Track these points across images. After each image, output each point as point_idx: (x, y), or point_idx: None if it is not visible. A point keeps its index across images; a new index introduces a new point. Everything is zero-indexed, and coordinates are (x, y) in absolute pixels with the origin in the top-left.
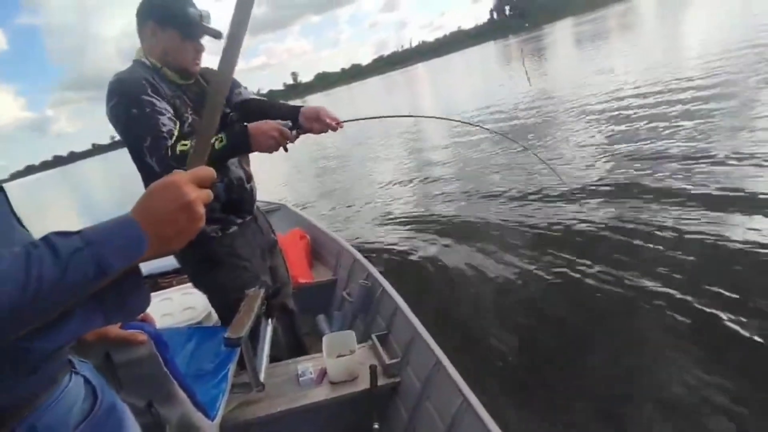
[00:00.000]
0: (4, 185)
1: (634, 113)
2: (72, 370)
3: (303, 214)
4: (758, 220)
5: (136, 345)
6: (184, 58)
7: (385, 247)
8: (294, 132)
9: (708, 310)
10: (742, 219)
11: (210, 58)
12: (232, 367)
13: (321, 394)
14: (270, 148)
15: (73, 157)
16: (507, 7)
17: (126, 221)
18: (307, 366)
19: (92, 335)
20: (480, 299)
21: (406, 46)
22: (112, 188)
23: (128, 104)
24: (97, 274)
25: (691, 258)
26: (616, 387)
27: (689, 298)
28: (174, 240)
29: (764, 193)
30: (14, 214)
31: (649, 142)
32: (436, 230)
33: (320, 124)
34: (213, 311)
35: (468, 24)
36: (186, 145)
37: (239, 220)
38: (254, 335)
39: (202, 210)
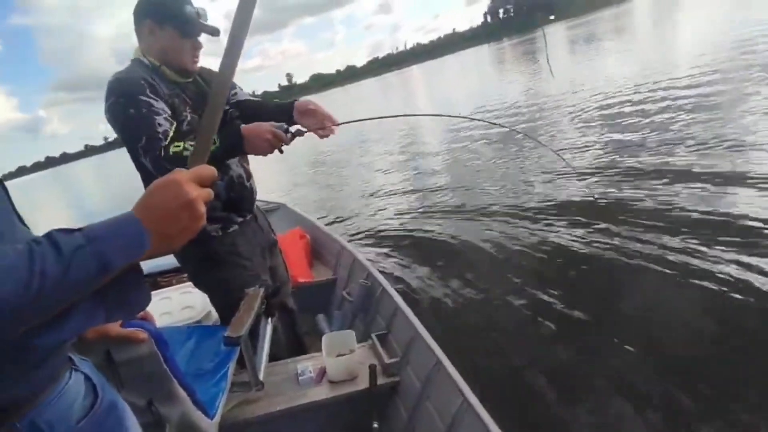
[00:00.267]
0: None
1: (636, 111)
2: (73, 368)
3: (303, 214)
4: None
5: (137, 343)
6: (182, 56)
7: (386, 246)
8: (289, 134)
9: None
10: None
11: (206, 59)
12: (231, 366)
13: (320, 393)
14: (264, 151)
15: (66, 159)
16: (501, 10)
17: (128, 219)
18: (306, 365)
19: (93, 333)
20: (481, 300)
21: (401, 48)
22: (104, 190)
23: (125, 104)
24: (100, 271)
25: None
26: (616, 386)
27: (696, 304)
28: (175, 238)
29: None
30: (15, 211)
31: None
32: (436, 229)
33: (314, 119)
34: (212, 310)
35: (462, 26)
36: (179, 146)
37: (240, 219)
38: (254, 334)
39: (203, 208)
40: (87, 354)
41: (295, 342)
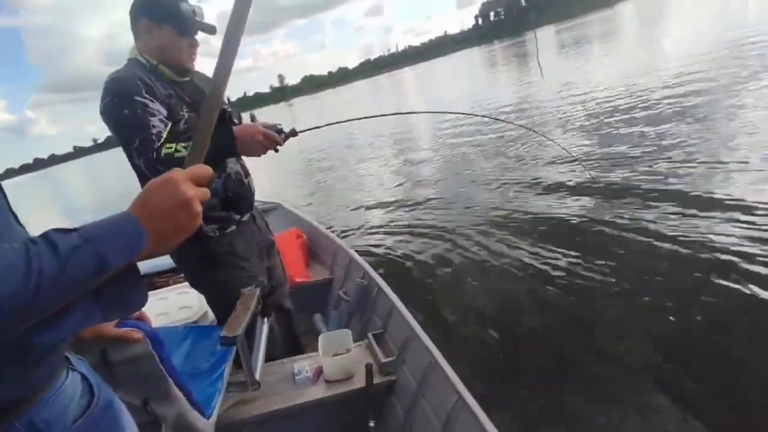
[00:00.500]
0: None
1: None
2: (69, 367)
3: (300, 214)
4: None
5: (132, 343)
6: (180, 54)
7: (382, 246)
8: (282, 135)
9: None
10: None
11: (201, 60)
12: (227, 365)
13: (317, 392)
14: (257, 152)
15: (54, 160)
16: (492, 13)
17: (125, 218)
18: (303, 365)
19: (88, 333)
20: (476, 298)
21: (393, 50)
22: (93, 191)
23: (120, 104)
24: (97, 270)
25: (693, 261)
26: (611, 384)
27: (687, 298)
28: (172, 237)
29: None
30: (11, 211)
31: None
32: (432, 229)
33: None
34: (209, 311)
35: (454, 29)
36: (171, 148)
37: (238, 217)
38: (250, 334)
39: (199, 208)
40: (83, 354)
41: (292, 342)
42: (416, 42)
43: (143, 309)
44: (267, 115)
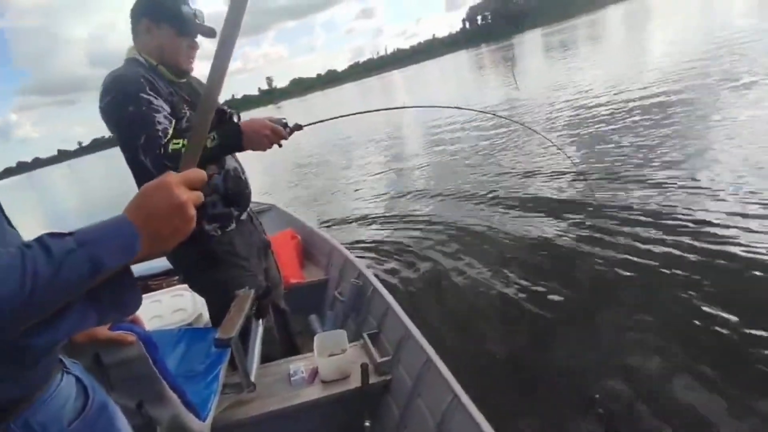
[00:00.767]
0: None
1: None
2: (64, 370)
3: (294, 215)
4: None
5: (126, 346)
6: (179, 55)
7: (377, 246)
8: (287, 129)
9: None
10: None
11: (199, 63)
12: (222, 367)
13: (313, 393)
14: (263, 146)
15: (38, 164)
16: (479, 17)
17: (120, 221)
18: (298, 365)
19: (82, 336)
20: (471, 297)
21: (382, 52)
22: (80, 194)
23: (124, 101)
24: (92, 273)
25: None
26: (606, 383)
27: (678, 299)
28: (167, 240)
29: None
30: (3, 214)
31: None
32: (426, 229)
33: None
34: (204, 313)
35: (442, 32)
36: (178, 143)
37: (237, 213)
38: (245, 336)
39: (193, 211)
40: (76, 357)
41: (288, 342)
42: (405, 45)
43: (137, 311)
44: (255, 117)
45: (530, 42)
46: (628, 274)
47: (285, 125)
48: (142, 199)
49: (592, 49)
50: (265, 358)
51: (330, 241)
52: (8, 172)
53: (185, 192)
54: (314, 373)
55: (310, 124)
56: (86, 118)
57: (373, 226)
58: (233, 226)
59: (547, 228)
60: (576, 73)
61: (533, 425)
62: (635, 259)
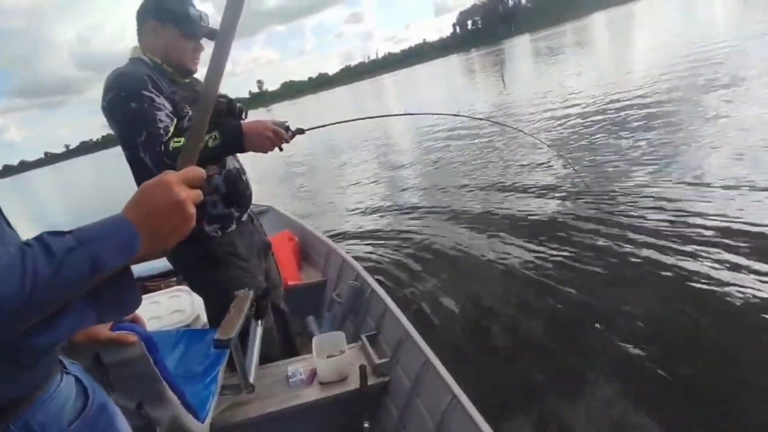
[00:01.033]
0: None
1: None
2: (63, 370)
3: (292, 216)
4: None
5: (127, 346)
6: (183, 56)
7: (374, 247)
8: (289, 132)
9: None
10: None
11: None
12: (221, 368)
13: (311, 394)
14: (264, 148)
15: (24, 167)
16: (469, 22)
17: (119, 220)
18: (297, 367)
19: (82, 336)
20: (470, 298)
21: (373, 57)
22: (68, 197)
23: (127, 98)
24: (92, 272)
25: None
26: (603, 384)
27: (671, 300)
28: (167, 239)
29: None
30: (2, 215)
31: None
32: (425, 230)
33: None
34: (202, 314)
35: (432, 37)
36: (179, 142)
37: (237, 214)
38: (244, 337)
39: (193, 209)
40: (76, 358)
41: (287, 343)
42: (396, 49)
43: (136, 312)
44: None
45: (520, 47)
46: (629, 273)
47: (287, 128)
48: (141, 197)
49: (580, 53)
50: (264, 359)
51: (328, 242)
52: None
53: (184, 190)
54: (313, 374)
55: (312, 128)
56: (73, 120)
57: (370, 228)
58: (234, 226)
59: (547, 229)
60: (566, 77)
61: (532, 425)
62: (633, 257)
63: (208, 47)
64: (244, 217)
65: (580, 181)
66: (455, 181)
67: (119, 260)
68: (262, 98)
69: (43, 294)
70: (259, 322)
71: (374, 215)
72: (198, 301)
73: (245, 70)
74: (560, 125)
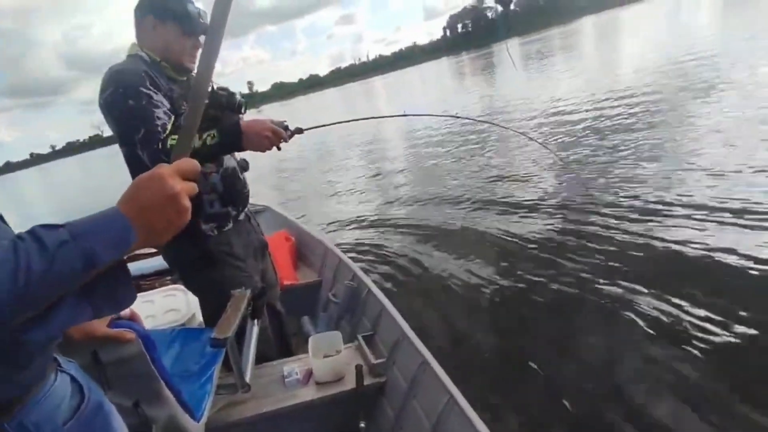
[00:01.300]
0: None
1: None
2: (58, 369)
3: (288, 216)
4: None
5: (124, 343)
6: (182, 53)
7: (371, 248)
8: (288, 132)
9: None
10: None
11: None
12: (217, 368)
13: (307, 394)
14: (263, 148)
15: (10, 168)
16: (459, 25)
17: (113, 214)
18: (293, 367)
19: (79, 333)
20: (466, 299)
21: (363, 59)
22: (52, 199)
23: (125, 95)
24: (86, 266)
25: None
26: (598, 384)
27: (664, 302)
28: (161, 232)
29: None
30: None
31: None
32: (421, 231)
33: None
34: (197, 313)
35: (422, 40)
36: (176, 139)
37: (234, 213)
38: (240, 336)
39: (187, 202)
40: (72, 355)
41: (283, 344)
42: (387, 51)
43: (134, 310)
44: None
45: (510, 50)
46: (626, 272)
47: (286, 128)
48: (135, 190)
49: (569, 56)
50: (260, 359)
51: (324, 242)
52: None
53: (179, 182)
54: (309, 374)
55: (311, 128)
56: (60, 121)
57: (368, 229)
58: (230, 225)
59: (541, 228)
60: (556, 80)
61: (529, 426)
62: (629, 255)
63: None
64: (241, 216)
65: (581, 185)
66: (452, 182)
67: (113, 254)
68: (252, 99)
69: (37, 288)
70: (256, 321)
71: (370, 216)
72: (193, 300)
73: (235, 70)
74: (552, 125)
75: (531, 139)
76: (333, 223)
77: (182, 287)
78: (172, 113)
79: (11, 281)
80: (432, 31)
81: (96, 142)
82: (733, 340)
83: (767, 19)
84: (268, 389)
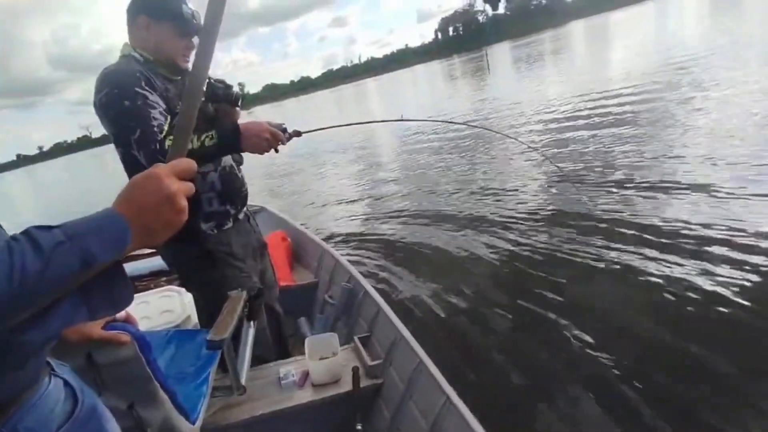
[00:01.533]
0: None
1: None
2: (52, 373)
3: (284, 216)
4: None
5: (120, 345)
6: (175, 53)
7: (367, 250)
8: (286, 134)
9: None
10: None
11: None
12: (212, 369)
13: (303, 396)
14: (260, 149)
15: None
16: (450, 28)
17: (108, 213)
18: (289, 368)
19: (75, 335)
20: (463, 300)
21: (356, 61)
22: (39, 202)
23: (120, 96)
24: (82, 267)
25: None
26: (595, 384)
27: (662, 303)
28: (158, 232)
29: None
30: None
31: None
32: (418, 233)
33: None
34: (192, 314)
35: (414, 42)
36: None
37: (233, 211)
38: (236, 338)
39: (184, 202)
40: (66, 358)
41: (279, 345)
42: (379, 54)
43: (129, 311)
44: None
45: (501, 54)
46: (619, 273)
47: (284, 130)
48: (131, 190)
49: (559, 59)
50: (256, 361)
51: (320, 243)
52: None
53: (175, 182)
54: (305, 376)
55: (309, 132)
56: (48, 121)
57: (364, 230)
58: (230, 224)
59: (536, 231)
60: (547, 83)
61: (526, 427)
62: (624, 258)
63: None
64: (241, 216)
65: (572, 186)
66: (447, 184)
67: (110, 255)
68: (243, 100)
69: (32, 289)
70: (252, 323)
71: (366, 217)
72: (189, 301)
73: (225, 72)
74: (546, 128)
75: (521, 142)
76: (328, 223)
77: (178, 288)
78: (168, 113)
79: (6, 282)
80: (424, 33)
81: (85, 143)
82: (733, 340)
83: (753, 22)
84: (264, 391)
